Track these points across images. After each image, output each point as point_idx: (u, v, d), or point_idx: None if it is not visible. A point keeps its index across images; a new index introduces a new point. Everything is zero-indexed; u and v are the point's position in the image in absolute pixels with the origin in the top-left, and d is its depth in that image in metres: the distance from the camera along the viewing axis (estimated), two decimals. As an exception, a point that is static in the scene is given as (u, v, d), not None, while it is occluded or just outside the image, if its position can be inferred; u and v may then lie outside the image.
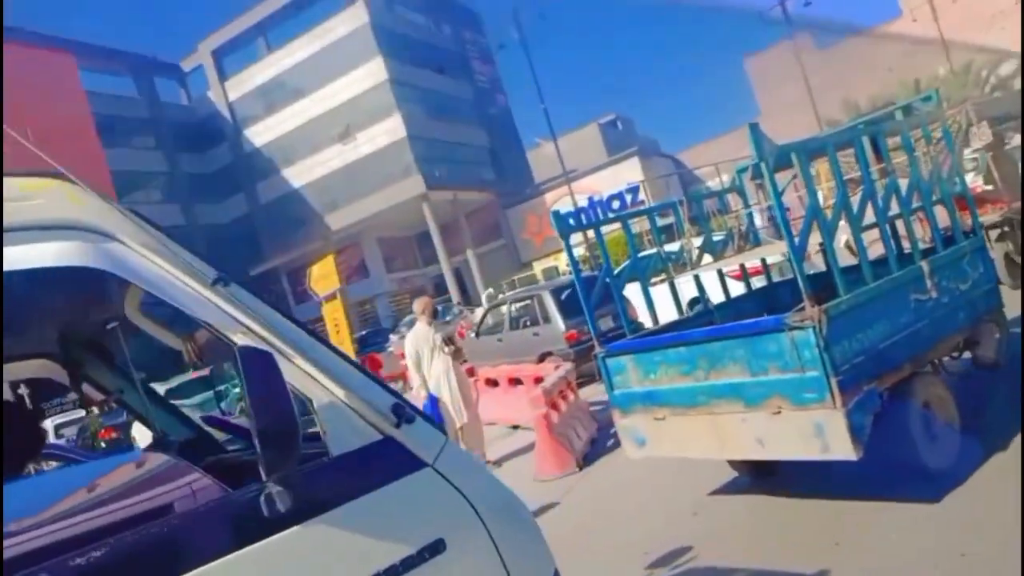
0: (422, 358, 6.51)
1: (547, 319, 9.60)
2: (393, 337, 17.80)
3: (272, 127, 41.70)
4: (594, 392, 8.26)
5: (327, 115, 39.80)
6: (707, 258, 6.04)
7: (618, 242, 27.46)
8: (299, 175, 41.30)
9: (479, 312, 13.21)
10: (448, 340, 6.57)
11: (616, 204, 40.36)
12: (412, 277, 44.96)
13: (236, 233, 43.47)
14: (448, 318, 22.43)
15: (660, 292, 5.99)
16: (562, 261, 30.24)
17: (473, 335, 11.28)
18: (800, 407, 3.90)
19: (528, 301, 10.11)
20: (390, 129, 38.47)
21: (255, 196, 42.87)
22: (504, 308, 10.68)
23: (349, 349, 13.29)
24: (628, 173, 39.47)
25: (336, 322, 12.87)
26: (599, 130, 55.84)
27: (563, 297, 9.63)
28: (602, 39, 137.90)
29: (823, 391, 3.78)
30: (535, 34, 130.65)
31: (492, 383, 9.03)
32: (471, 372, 8.97)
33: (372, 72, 38.49)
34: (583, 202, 39.79)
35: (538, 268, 31.70)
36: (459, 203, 40.29)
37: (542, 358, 9.67)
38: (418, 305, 6.91)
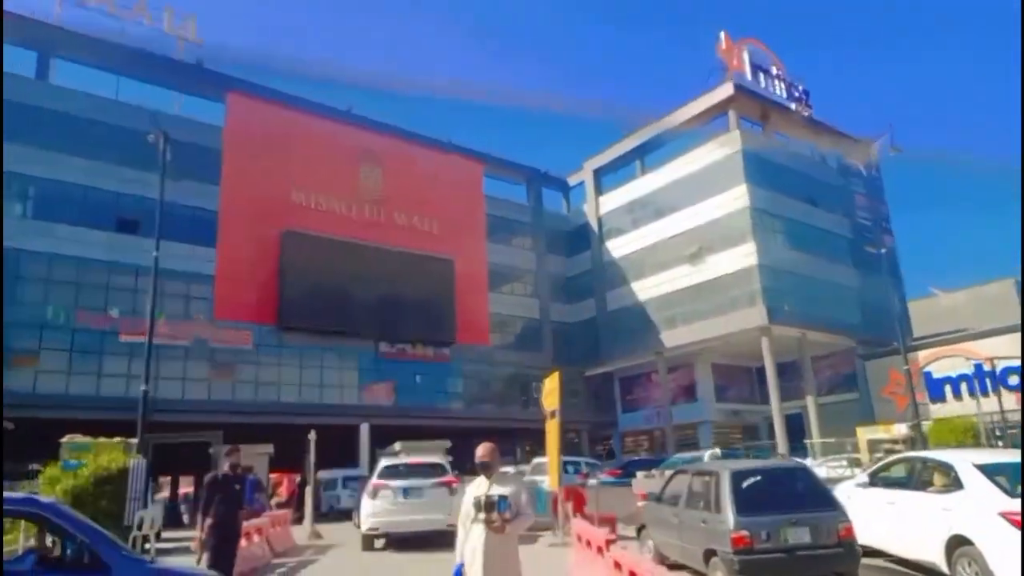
0: (468, 518, 5.26)
1: (719, 507, 7.83)
2: (640, 474, 16.47)
3: (631, 241, 43.79)
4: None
5: (683, 235, 40.35)
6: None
7: (952, 428, 21.86)
8: (645, 289, 42.33)
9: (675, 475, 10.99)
10: (485, 505, 5.09)
11: (1013, 379, 32.25)
12: (745, 412, 41.99)
13: (581, 334, 46.16)
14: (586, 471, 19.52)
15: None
16: (893, 432, 24.96)
17: (654, 500, 9.71)
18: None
19: (707, 478, 8.38)
20: (742, 255, 37.20)
21: (604, 303, 45.11)
22: (687, 477, 9.00)
23: (554, 469, 12.84)
24: (1039, 344, 31.25)
25: (552, 441, 12.60)
26: (1016, 286, 45.81)
27: (747, 483, 7.77)
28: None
29: None
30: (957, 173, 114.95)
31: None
32: (617, 565, 7.26)
33: (734, 197, 38.03)
34: (966, 368, 32.85)
35: (864, 435, 26.62)
36: (807, 343, 36.64)
37: (707, 556, 7.91)
38: (481, 451, 5.43)
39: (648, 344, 40.66)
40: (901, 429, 24.75)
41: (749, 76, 41.34)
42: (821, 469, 21.55)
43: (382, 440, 31.18)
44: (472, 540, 5.17)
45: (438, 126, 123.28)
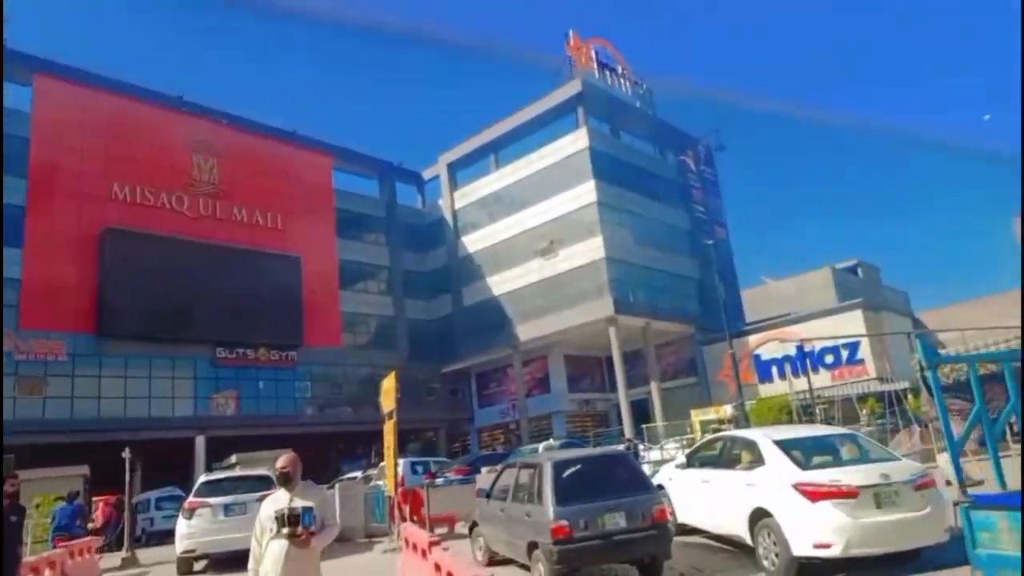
0: (265, 534, 4.86)
1: (540, 498, 7.70)
2: (484, 470, 16.31)
3: (486, 237, 43.88)
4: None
5: (535, 230, 40.94)
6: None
7: (771, 407, 23.64)
8: (500, 284, 42.58)
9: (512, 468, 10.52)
10: (289, 519, 4.72)
11: (830, 358, 35.56)
12: (595, 400, 43.34)
13: (438, 330, 45.69)
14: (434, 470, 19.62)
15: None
16: (723, 413, 26.68)
17: (484, 497, 9.50)
18: None
19: (531, 470, 8.24)
20: (590, 249, 38.32)
21: (460, 299, 44.91)
22: (514, 471, 8.85)
23: (391, 473, 12.37)
24: (849, 326, 34.70)
25: (389, 444, 12.09)
26: (832, 275, 50.62)
27: (568, 473, 7.69)
28: (856, 178, 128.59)
29: None
30: (782, 167, 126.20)
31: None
32: (438, 568, 6.64)
33: (583, 193, 39.07)
34: (790, 349, 35.70)
35: (697, 417, 28.27)
36: (651, 332, 38.41)
37: (530, 548, 7.74)
38: (282, 461, 5.04)
39: (504, 339, 40.94)
40: (728, 410, 26.42)
41: (596, 74, 42.65)
42: (655, 452, 22.52)
43: (225, 453, 29.20)
44: (270, 557, 4.80)
45: (288, 118, 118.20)
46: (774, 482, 7.62)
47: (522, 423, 39.71)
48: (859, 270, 56.39)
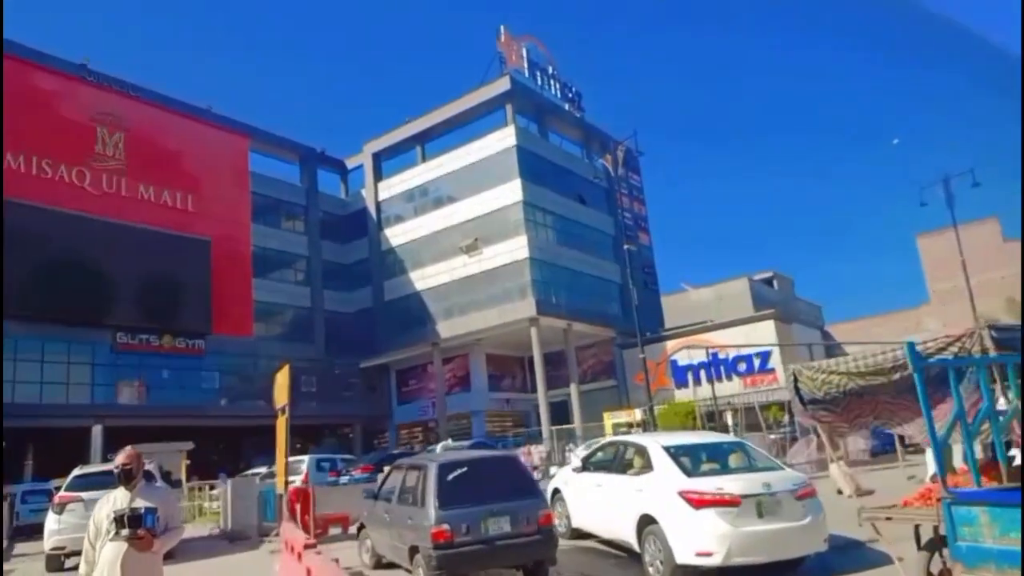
0: (99, 536, 4.48)
1: (423, 501, 7.38)
2: (388, 469, 15.82)
3: (409, 231, 43.18)
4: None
5: (459, 227, 40.53)
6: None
7: (678, 412, 24.08)
8: (422, 279, 41.97)
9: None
10: (130, 520, 4.31)
11: (742, 366, 36.61)
12: (516, 400, 43.28)
13: (357, 324, 44.67)
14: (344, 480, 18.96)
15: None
16: (634, 416, 27.03)
17: (372, 498, 9.10)
18: None
19: (417, 472, 7.91)
20: (514, 248, 38.21)
21: (381, 293, 44.03)
22: (401, 472, 8.49)
23: (281, 470, 11.81)
24: (761, 335, 35.80)
25: (280, 440, 11.51)
26: (748, 285, 52.22)
27: (452, 476, 7.40)
28: (772, 193, 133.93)
29: None
30: (706, 176, 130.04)
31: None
32: (309, 573, 6.11)
33: (508, 192, 38.90)
34: (704, 356, 36.55)
35: (609, 421, 28.56)
36: (573, 334, 38.61)
37: (412, 553, 7.40)
38: (121, 457, 4.64)
39: (425, 335, 40.36)
40: (638, 413, 26.75)
41: (527, 73, 42.54)
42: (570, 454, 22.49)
43: (125, 443, 27.57)
44: (106, 561, 4.40)
45: (206, 95, 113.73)
46: (661, 488, 7.53)
47: (441, 421, 39.23)
48: (774, 281, 58.43)
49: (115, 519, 4.38)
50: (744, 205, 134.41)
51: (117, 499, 4.61)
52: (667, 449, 7.86)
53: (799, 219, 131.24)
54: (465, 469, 7.61)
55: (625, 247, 31.76)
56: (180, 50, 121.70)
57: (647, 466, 8.04)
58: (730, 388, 32.99)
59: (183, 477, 21.42)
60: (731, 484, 7.17)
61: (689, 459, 7.82)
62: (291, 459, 22.44)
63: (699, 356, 37.12)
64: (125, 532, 4.32)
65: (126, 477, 4.61)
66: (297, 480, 19.89)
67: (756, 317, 38.89)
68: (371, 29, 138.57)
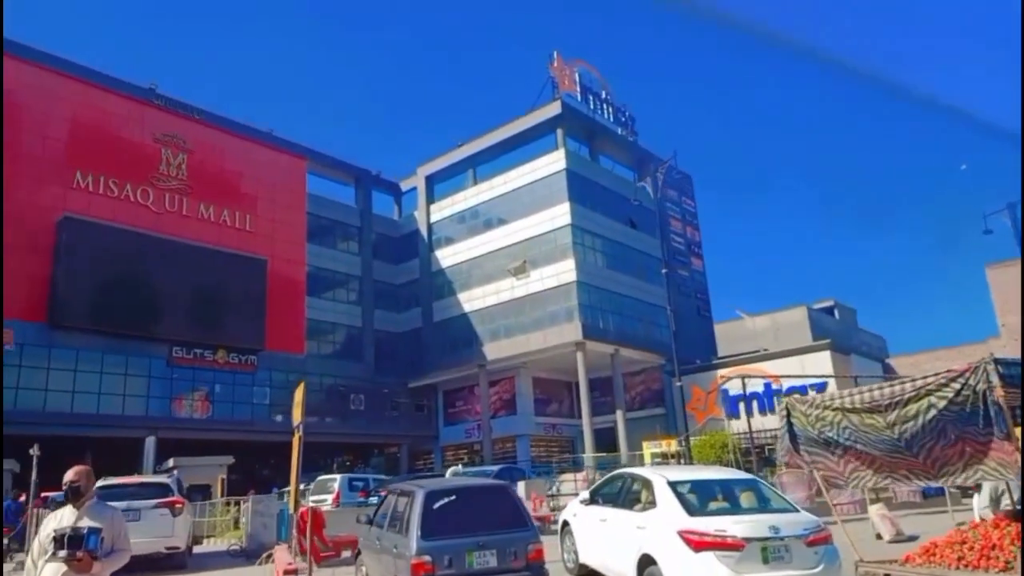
0: (43, 555, 4.25)
1: (407, 530, 7.04)
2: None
3: (458, 252, 43.38)
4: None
5: (508, 249, 40.48)
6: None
7: (713, 444, 23.01)
8: (470, 301, 41.99)
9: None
10: (69, 540, 4.11)
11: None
12: (562, 425, 42.60)
13: (406, 344, 44.97)
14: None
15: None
16: (672, 447, 26.04)
17: (367, 522, 8.82)
18: None
19: (406, 499, 7.60)
20: (561, 271, 37.86)
21: (430, 313, 44.25)
22: (394, 498, 8.18)
23: (294, 490, 11.67)
24: (817, 366, 34.30)
25: (294, 459, 11.37)
26: (807, 314, 50.34)
27: (439, 504, 7.05)
28: (835, 221, 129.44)
29: None
30: (766, 203, 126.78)
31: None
32: None
33: (558, 214, 38.68)
34: (758, 386, 35.20)
35: (648, 449, 27.61)
36: (620, 359, 37.83)
37: (397, 583, 7.07)
38: (71, 474, 4.46)
39: (472, 356, 40.26)
40: (674, 444, 25.81)
41: (579, 97, 42.44)
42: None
43: (176, 454, 28.26)
44: None
45: (264, 117, 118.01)
46: (662, 527, 7.02)
47: (486, 444, 38.89)
48: (835, 311, 56.21)
49: (54, 539, 4.19)
50: (807, 234, 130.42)
51: (63, 517, 4.44)
52: (672, 484, 7.34)
53: (862, 245, 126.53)
54: (453, 498, 7.26)
55: (663, 271, 30.99)
56: (245, 73, 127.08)
57: (651, 502, 7.54)
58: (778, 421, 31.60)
59: (219, 491, 21.66)
60: (735, 526, 6.61)
61: (696, 496, 7.29)
62: (324, 477, 22.62)
63: (753, 386, 35.78)
64: (63, 553, 4.13)
65: (74, 495, 4.45)
66: (328, 499, 19.94)
67: (812, 347, 37.34)
68: (428, 55, 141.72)
